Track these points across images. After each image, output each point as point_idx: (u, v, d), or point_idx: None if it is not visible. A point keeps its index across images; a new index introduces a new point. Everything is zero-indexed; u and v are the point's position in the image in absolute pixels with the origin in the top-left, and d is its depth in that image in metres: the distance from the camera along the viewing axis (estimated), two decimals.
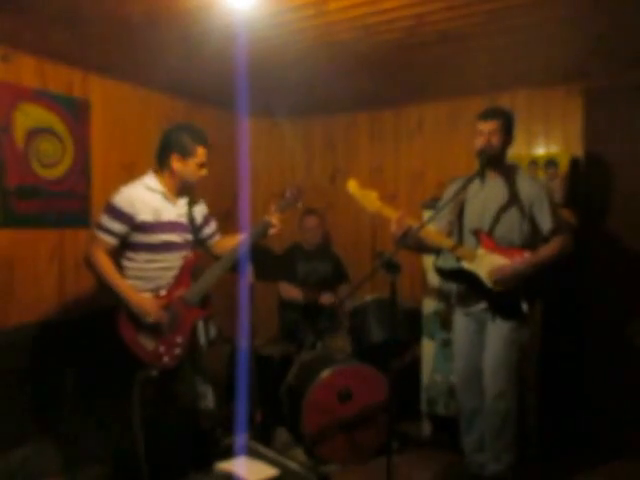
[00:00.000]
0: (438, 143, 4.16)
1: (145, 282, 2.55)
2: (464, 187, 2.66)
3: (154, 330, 2.52)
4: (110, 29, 2.72)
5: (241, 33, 2.71)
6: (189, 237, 2.67)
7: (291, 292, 3.89)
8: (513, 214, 2.65)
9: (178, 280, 2.60)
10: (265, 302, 4.19)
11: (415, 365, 3.55)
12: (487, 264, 2.61)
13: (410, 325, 3.49)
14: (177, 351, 2.55)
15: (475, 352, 2.76)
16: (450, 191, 2.84)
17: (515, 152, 3.62)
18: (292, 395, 3.24)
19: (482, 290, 2.64)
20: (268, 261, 3.64)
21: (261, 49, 2.99)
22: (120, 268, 2.55)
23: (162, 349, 2.53)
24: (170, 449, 2.57)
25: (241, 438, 2.49)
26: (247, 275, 2.70)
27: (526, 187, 2.67)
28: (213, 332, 2.92)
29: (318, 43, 2.93)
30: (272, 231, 2.70)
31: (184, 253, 2.63)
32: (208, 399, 2.87)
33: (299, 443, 3.15)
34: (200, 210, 2.78)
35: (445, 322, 3.36)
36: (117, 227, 2.49)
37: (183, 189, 2.66)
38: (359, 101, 4.25)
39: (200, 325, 2.69)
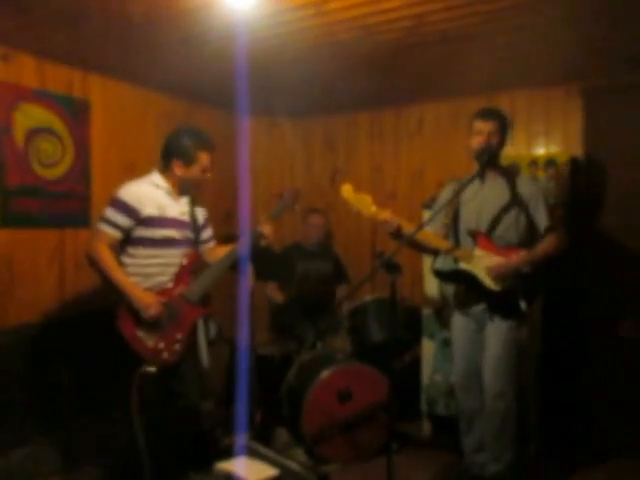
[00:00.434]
0: (438, 143, 4.16)
1: (146, 279, 2.55)
2: (462, 189, 2.66)
3: (154, 326, 2.52)
4: (110, 29, 2.72)
5: (241, 33, 2.71)
6: (190, 235, 2.68)
7: (274, 294, 3.92)
8: (513, 215, 2.65)
9: (178, 277, 2.60)
10: (265, 302, 4.19)
11: (415, 365, 3.55)
12: (484, 264, 2.61)
13: (410, 325, 3.49)
14: (177, 347, 2.56)
15: (475, 352, 2.76)
16: (446, 193, 2.84)
17: (515, 152, 3.63)
18: (292, 395, 3.24)
19: (480, 290, 2.65)
20: (268, 261, 3.64)
21: (261, 49, 2.99)
22: (120, 264, 2.55)
23: (162, 345, 2.53)
24: (170, 448, 2.57)
25: (241, 438, 2.49)
26: (247, 276, 2.71)
27: (525, 187, 2.68)
28: (213, 332, 2.93)
29: (318, 43, 2.93)
30: (264, 242, 2.70)
31: (185, 250, 2.64)
32: (208, 399, 2.87)
33: (299, 443, 3.15)
34: (202, 213, 2.80)
35: (444, 321, 3.36)
36: (122, 220, 2.50)
37: (187, 189, 2.67)
38: (359, 101, 4.25)
39: (200, 323, 2.70)
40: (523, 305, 2.59)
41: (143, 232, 2.54)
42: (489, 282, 2.61)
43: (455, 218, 2.76)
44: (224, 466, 2.14)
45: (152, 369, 2.45)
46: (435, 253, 2.78)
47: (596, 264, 3.46)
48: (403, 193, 4.34)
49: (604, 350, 3.45)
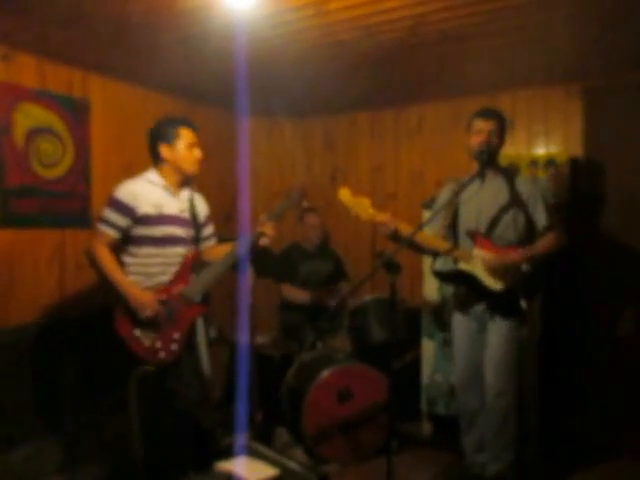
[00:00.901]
0: (438, 143, 4.16)
1: (147, 278, 2.55)
2: (463, 188, 2.66)
3: (151, 325, 2.52)
4: (110, 29, 2.73)
5: (241, 33, 2.72)
6: (191, 232, 2.66)
7: (296, 294, 3.89)
8: (512, 214, 2.65)
9: (178, 276, 2.59)
10: (265, 302, 4.19)
11: (415, 365, 3.55)
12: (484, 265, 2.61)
13: (410, 325, 3.49)
14: (174, 347, 2.55)
15: (475, 352, 2.76)
16: (445, 193, 2.84)
17: (515, 152, 3.63)
18: (292, 395, 3.24)
19: (481, 290, 2.65)
20: (268, 261, 3.64)
21: (261, 49, 2.99)
22: (121, 264, 2.55)
23: (159, 344, 2.53)
24: (169, 448, 2.57)
25: (241, 438, 2.49)
26: (247, 277, 2.71)
27: (523, 187, 2.69)
28: (213, 332, 2.93)
29: (318, 43, 2.93)
30: (265, 242, 2.69)
31: (186, 248, 2.63)
32: (208, 399, 2.87)
33: (299, 443, 3.15)
34: (203, 209, 2.79)
35: (442, 321, 3.36)
36: (119, 220, 2.51)
37: (184, 181, 2.66)
38: (359, 101, 4.25)
39: (199, 323, 2.70)
40: (523, 304, 2.59)
41: (142, 231, 2.53)
42: (489, 282, 2.61)
43: (454, 218, 2.76)
44: (224, 466, 2.14)
45: (149, 369, 2.46)
46: (435, 254, 2.78)
47: (596, 263, 3.46)
48: (403, 193, 4.34)
49: (604, 350, 3.45)
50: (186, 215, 2.65)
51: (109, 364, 2.82)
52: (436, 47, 2.99)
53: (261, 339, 3.68)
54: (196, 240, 2.69)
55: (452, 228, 2.77)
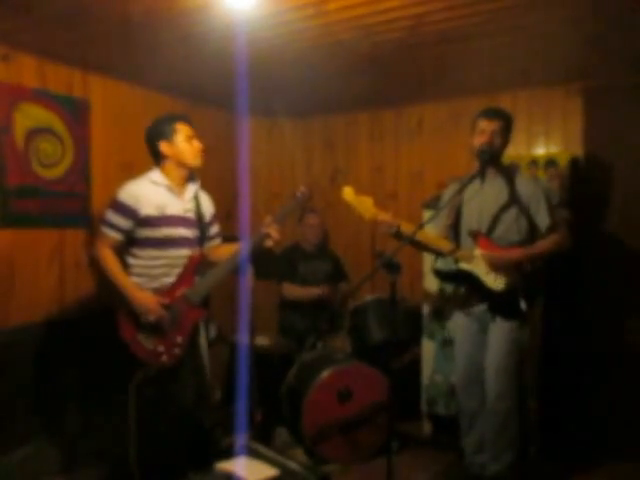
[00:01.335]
0: (438, 143, 4.16)
1: (150, 280, 2.54)
2: (463, 188, 2.66)
3: (154, 329, 2.51)
4: (110, 29, 2.72)
5: (241, 33, 2.71)
6: (196, 232, 2.65)
7: (295, 291, 3.89)
8: (512, 214, 2.65)
9: (181, 278, 2.58)
10: (265, 302, 4.19)
11: (415, 365, 3.55)
12: (485, 264, 2.61)
13: (410, 325, 3.49)
14: (176, 351, 2.54)
15: (476, 353, 2.76)
16: (449, 193, 2.84)
17: (515, 152, 3.63)
18: (292, 395, 3.24)
19: (482, 291, 2.64)
20: (268, 261, 3.64)
21: (261, 49, 2.99)
22: (125, 265, 2.55)
23: (161, 348, 2.52)
24: (168, 449, 2.57)
25: (241, 438, 2.49)
26: (247, 277, 2.70)
27: (524, 187, 2.67)
28: (213, 332, 2.92)
29: (318, 43, 2.93)
30: (269, 243, 2.67)
31: (190, 249, 2.61)
32: (209, 399, 2.87)
33: (299, 443, 3.15)
34: (209, 208, 2.77)
35: (444, 320, 3.36)
36: (122, 222, 2.50)
37: (189, 176, 2.65)
38: (359, 101, 4.25)
39: (201, 325, 2.69)
40: (523, 305, 2.59)
41: (146, 232, 2.53)
42: (490, 281, 2.61)
43: (457, 218, 2.76)
44: (224, 466, 2.14)
45: (151, 372, 2.46)
46: (438, 254, 2.78)
47: (596, 264, 3.46)
48: (403, 193, 4.34)
49: (605, 350, 3.45)
50: (190, 215, 2.64)
51: (109, 365, 2.83)
52: (436, 47, 2.99)
53: (261, 339, 3.68)
54: (201, 240, 2.67)
55: (455, 228, 2.77)
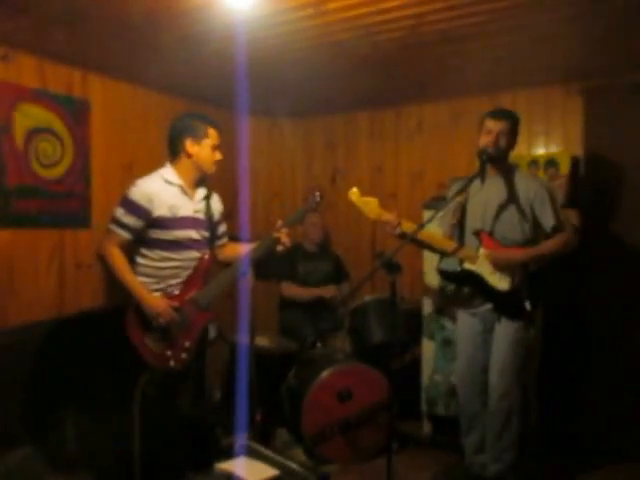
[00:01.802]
0: (438, 143, 4.16)
1: (157, 281, 2.52)
2: (464, 188, 2.66)
3: (163, 332, 2.48)
4: (110, 29, 2.72)
5: (241, 33, 2.71)
6: (206, 234, 2.63)
7: (295, 291, 3.89)
8: (512, 213, 2.65)
9: (191, 281, 2.55)
10: (265, 302, 4.19)
11: (415, 365, 3.55)
12: (489, 264, 2.61)
13: (410, 325, 3.49)
14: (184, 356, 2.52)
15: (478, 354, 2.75)
16: (452, 192, 2.84)
17: (515, 152, 3.61)
18: (292, 395, 3.24)
19: (486, 291, 2.64)
20: (268, 261, 3.64)
21: (261, 49, 2.99)
22: (132, 264, 2.52)
23: (169, 353, 2.50)
24: (170, 449, 2.57)
25: (241, 438, 2.49)
26: (247, 277, 2.70)
27: (525, 185, 2.67)
28: (213, 332, 2.92)
29: (318, 43, 2.93)
30: (280, 248, 2.66)
31: (200, 251, 2.59)
32: (209, 399, 2.87)
33: (299, 443, 3.15)
34: (218, 207, 2.76)
35: (445, 319, 3.36)
36: (133, 221, 2.46)
37: (200, 179, 2.64)
38: (359, 101, 4.25)
39: (209, 327, 2.69)
40: (528, 305, 2.58)
41: (157, 234, 2.50)
42: (495, 282, 2.60)
43: (461, 218, 2.76)
44: (224, 466, 2.14)
45: (157, 375, 2.45)
46: (442, 253, 2.77)
47: (596, 264, 3.45)
48: (403, 193, 4.34)
49: (605, 350, 3.45)
50: (200, 215, 2.62)
51: (110, 364, 2.82)
52: (436, 47, 2.99)
53: (261, 339, 3.68)
54: (211, 241, 2.65)
55: (459, 227, 2.76)
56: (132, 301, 2.47)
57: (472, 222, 2.72)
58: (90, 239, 3.28)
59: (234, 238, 2.84)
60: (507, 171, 2.73)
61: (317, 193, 2.78)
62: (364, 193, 2.73)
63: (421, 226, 2.55)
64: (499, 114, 2.67)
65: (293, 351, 3.55)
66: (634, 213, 3.41)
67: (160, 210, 2.47)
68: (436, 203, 3.23)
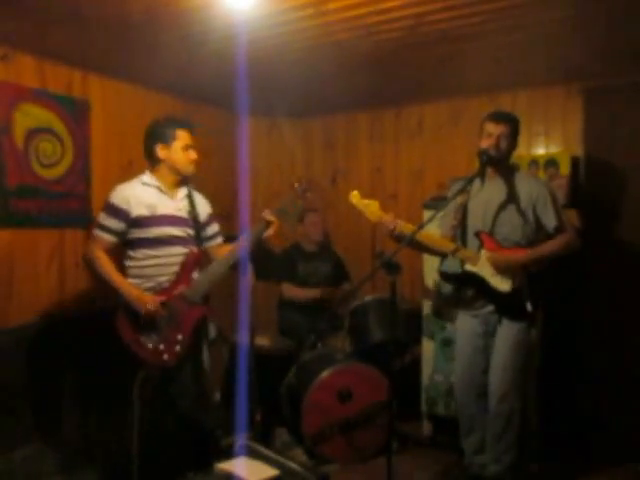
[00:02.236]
0: (438, 143, 4.16)
1: (145, 280, 2.55)
2: (464, 189, 2.66)
3: (153, 327, 2.51)
4: (110, 29, 2.72)
5: (241, 33, 2.71)
6: (190, 231, 2.65)
7: (294, 292, 3.89)
8: (512, 213, 2.64)
9: (179, 277, 2.58)
10: (265, 302, 4.19)
11: (415, 365, 3.55)
12: (491, 266, 2.60)
13: (410, 325, 3.49)
14: (177, 348, 2.54)
15: (478, 356, 2.74)
16: (452, 192, 2.84)
17: (515, 152, 3.62)
18: (292, 395, 3.24)
19: (488, 292, 2.64)
20: (268, 261, 3.64)
21: (261, 49, 2.99)
22: (122, 269, 2.56)
23: (162, 347, 2.52)
24: (169, 449, 2.57)
25: (241, 438, 2.49)
26: (248, 275, 2.70)
27: (526, 186, 2.66)
28: (213, 332, 2.92)
29: (318, 43, 2.93)
30: (270, 232, 2.67)
31: (186, 248, 2.61)
32: (209, 399, 2.87)
33: (299, 443, 3.14)
34: (204, 208, 2.78)
35: (441, 316, 3.36)
36: (114, 224, 2.52)
37: (181, 181, 2.66)
38: (359, 101, 4.25)
39: (209, 325, 2.70)
40: (529, 307, 2.58)
41: (138, 233, 2.55)
42: (496, 284, 2.60)
43: (463, 219, 2.75)
44: (224, 466, 2.14)
45: (154, 372, 2.45)
46: (442, 255, 2.77)
47: (596, 264, 3.45)
48: (403, 193, 4.34)
49: (605, 350, 3.45)
50: (183, 214, 2.64)
51: (109, 365, 2.82)
52: (436, 47, 2.99)
53: (261, 339, 3.68)
54: (197, 239, 2.67)
55: (461, 229, 2.76)
56: (120, 300, 2.49)
57: (473, 223, 2.72)
58: (88, 240, 3.28)
59: (234, 238, 2.84)
60: (508, 172, 2.73)
61: (301, 181, 2.79)
62: (364, 193, 2.73)
63: (420, 227, 2.54)
64: (499, 117, 2.66)
65: (293, 351, 3.55)
66: (634, 213, 3.41)
67: (138, 210, 2.53)
68: (436, 203, 3.23)
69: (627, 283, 3.41)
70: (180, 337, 2.54)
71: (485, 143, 2.64)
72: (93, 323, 3.05)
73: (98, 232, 2.55)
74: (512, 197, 2.65)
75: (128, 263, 2.58)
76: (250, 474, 2.07)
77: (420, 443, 3.40)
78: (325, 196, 4.58)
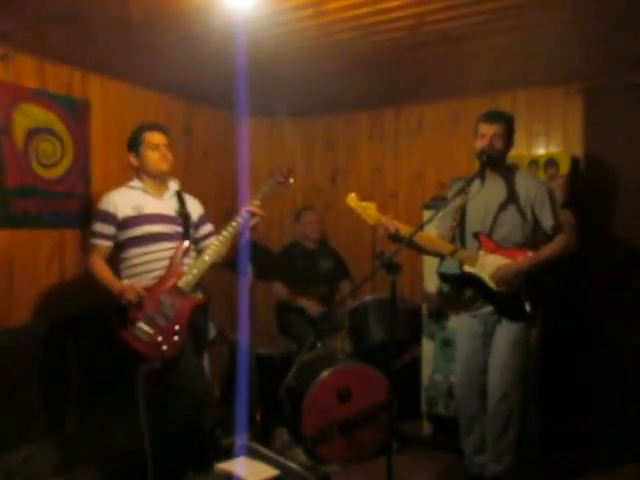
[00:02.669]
0: (438, 143, 4.16)
1: (139, 278, 2.59)
2: (462, 190, 2.65)
3: (149, 321, 2.53)
4: (110, 29, 2.72)
5: (241, 33, 2.72)
6: (178, 229, 2.69)
7: (282, 293, 3.90)
8: (512, 213, 2.64)
9: (170, 270, 2.62)
10: (265, 302, 4.19)
11: (415, 365, 3.55)
12: (490, 266, 2.60)
13: (410, 325, 3.49)
14: (176, 338, 2.55)
15: (478, 356, 2.74)
16: (452, 192, 2.83)
17: (515, 152, 3.61)
18: (292, 395, 3.24)
19: (487, 293, 2.63)
20: (268, 261, 3.63)
21: (261, 49, 2.99)
22: (118, 273, 2.63)
23: (160, 338, 2.53)
24: (170, 448, 2.57)
25: (241, 438, 2.49)
26: (247, 275, 2.70)
27: (525, 186, 2.66)
28: (213, 332, 2.92)
29: (318, 43, 2.93)
30: (254, 220, 2.69)
31: (173, 243, 2.65)
32: (209, 399, 2.87)
33: (299, 443, 3.14)
34: (196, 209, 2.81)
35: (440, 318, 3.37)
36: (106, 229, 2.62)
37: (161, 180, 2.73)
38: (359, 101, 4.25)
39: (210, 325, 2.72)
40: (528, 307, 2.58)
41: (126, 234, 2.62)
42: (494, 284, 2.60)
43: (462, 220, 2.75)
44: (224, 466, 2.14)
45: (156, 365, 2.46)
46: (440, 256, 2.77)
47: (596, 264, 3.45)
48: (403, 193, 4.34)
49: (605, 350, 3.45)
50: (170, 212, 2.70)
51: (110, 363, 2.83)
52: (436, 47, 2.99)
53: (261, 339, 3.68)
54: (186, 236, 2.70)
55: (460, 230, 2.75)
56: (113, 299, 2.52)
57: (472, 224, 2.71)
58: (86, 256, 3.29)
59: None
60: (507, 172, 2.72)
61: (281, 168, 2.86)
62: (364, 193, 2.74)
63: (419, 228, 2.54)
64: (492, 117, 2.66)
65: (293, 351, 3.55)
66: (634, 213, 3.41)
67: (124, 211, 2.62)
68: (436, 203, 3.23)
69: (627, 283, 3.41)
70: (177, 327, 2.56)
71: (479, 144, 2.64)
72: (93, 322, 3.06)
73: (93, 240, 2.65)
74: (512, 196, 2.65)
75: (121, 266, 2.65)
76: (250, 474, 2.07)
77: (420, 443, 3.40)
78: (325, 196, 4.58)
